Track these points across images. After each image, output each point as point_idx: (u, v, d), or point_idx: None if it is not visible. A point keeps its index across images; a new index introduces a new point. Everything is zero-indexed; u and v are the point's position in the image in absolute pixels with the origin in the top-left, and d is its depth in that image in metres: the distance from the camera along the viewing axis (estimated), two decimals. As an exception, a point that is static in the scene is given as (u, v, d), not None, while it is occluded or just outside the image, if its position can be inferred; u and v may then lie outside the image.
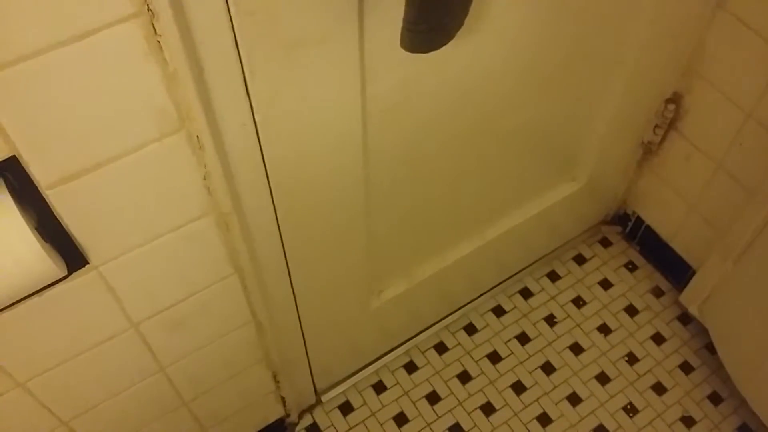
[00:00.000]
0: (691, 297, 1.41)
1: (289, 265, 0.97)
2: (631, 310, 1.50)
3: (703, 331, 1.44)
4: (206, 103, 0.67)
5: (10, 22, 0.50)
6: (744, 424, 1.36)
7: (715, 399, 1.39)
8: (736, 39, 1.10)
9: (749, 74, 1.11)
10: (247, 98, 0.70)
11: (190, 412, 1.08)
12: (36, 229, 0.61)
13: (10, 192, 0.57)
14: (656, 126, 1.31)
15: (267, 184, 0.81)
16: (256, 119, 0.73)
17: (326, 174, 0.88)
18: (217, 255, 0.83)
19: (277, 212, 0.86)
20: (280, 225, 0.89)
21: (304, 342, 1.18)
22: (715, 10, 1.10)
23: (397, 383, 1.42)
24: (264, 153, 0.77)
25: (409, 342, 1.46)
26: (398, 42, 0.68)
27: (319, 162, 0.85)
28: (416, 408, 1.39)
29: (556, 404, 1.39)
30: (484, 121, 1.04)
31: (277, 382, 1.17)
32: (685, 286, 1.42)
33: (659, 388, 1.40)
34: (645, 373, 1.42)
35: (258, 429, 1.28)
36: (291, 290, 1.03)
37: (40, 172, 0.59)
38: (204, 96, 0.66)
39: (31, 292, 0.66)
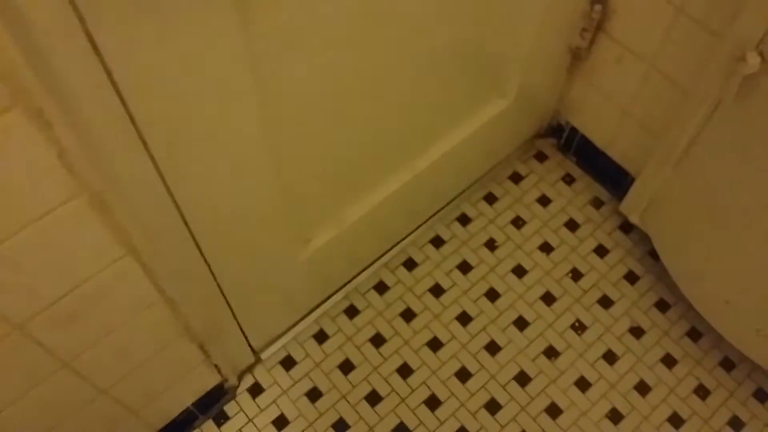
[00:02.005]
0: (632, 205, 1.36)
1: (194, 232, 0.86)
2: (572, 225, 1.45)
3: (645, 239, 1.40)
4: (42, 68, 0.54)
5: None
6: (693, 328, 1.34)
7: (662, 306, 1.36)
8: (661, -74, 1.00)
9: (677, -35, 1.02)
10: (95, 54, 0.57)
11: (111, 399, 0.99)
12: None
13: None
14: (583, 29, 1.21)
15: (145, 150, 0.70)
16: (115, 78, 0.61)
17: (216, 127, 0.76)
18: (100, 238, 0.72)
19: (166, 179, 0.75)
20: (172, 192, 0.78)
21: (230, 307, 1.09)
22: None
23: (339, 330, 1.35)
24: (133, 115, 0.65)
25: (348, 286, 1.39)
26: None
27: (204, 115, 0.73)
28: (361, 353, 1.33)
29: (503, 331, 1.35)
30: (397, 43, 0.92)
31: (205, 351, 1.09)
32: (624, 195, 1.37)
33: (606, 302, 1.37)
34: (590, 288, 1.39)
35: (196, 398, 1.20)
36: (202, 258, 0.92)
37: None
38: (37, 60, 0.53)
39: None
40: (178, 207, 0.80)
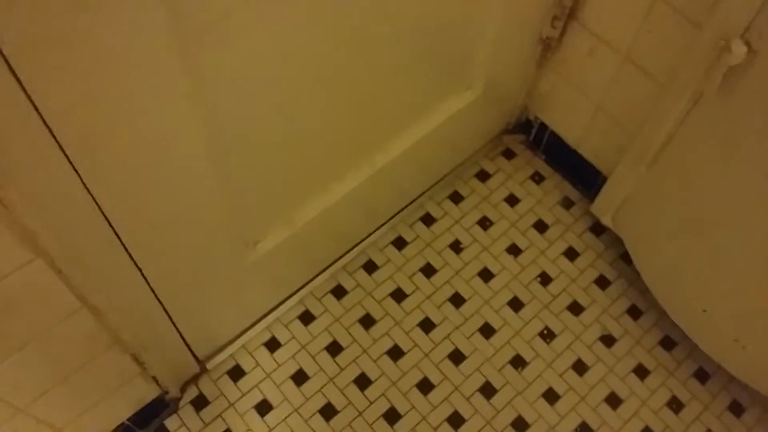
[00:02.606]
0: (603, 206, 1.29)
1: (120, 235, 0.76)
2: (541, 226, 1.38)
3: (617, 241, 1.33)
4: None
5: None
6: (666, 336, 1.27)
7: (634, 313, 1.29)
8: None
9: (656, -52, 0.95)
10: None
11: (29, 417, 0.88)
12: None
13: None
14: (554, 18, 1.14)
15: (54, 141, 0.60)
16: (4, 51, 0.51)
17: (141, 112, 0.66)
18: (2, 240, 0.62)
19: (80, 172, 0.65)
20: (88, 187, 0.68)
21: (167, 313, 0.99)
22: None
23: (293, 337, 1.26)
24: (35, 101, 0.55)
25: (303, 290, 1.29)
26: None
27: (128, 103, 0.64)
28: (316, 362, 1.23)
29: (468, 338, 1.27)
30: (356, 26, 0.83)
31: (140, 362, 0.99)
32: (596, 195, 1.30)
33: (576, 308, 1.30)
34: (560, 294, 1.31)
35: (133, 412, 1.10)
36: (131, 262, 0.82)
37: None
38: None
39: None
40: (99, 207, 0.70)
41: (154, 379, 1.06)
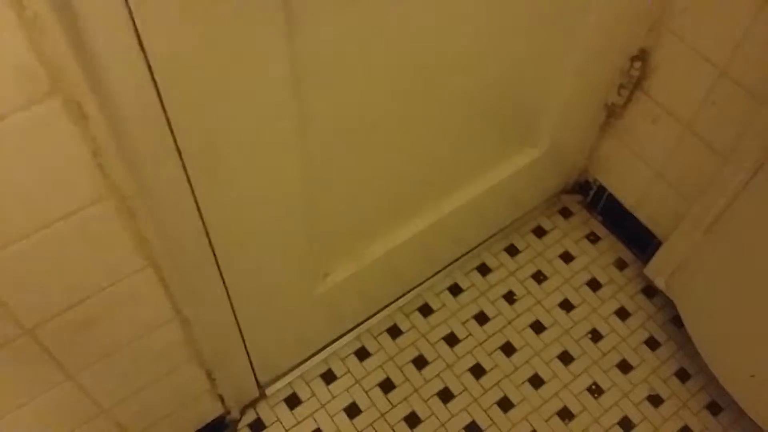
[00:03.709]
0: (658, 269, 1.33)
1: (216, 251, 0.84)
2: (594, 284, 1.42)
3: (668, 305, 1.36)
4: (85, 59, 0.53)
5: None
6: (713, 401, 1.29)
7: (682, 376, 1.32)
8: (709, -12, 1.00)
9: (722, 26, 1.01)
10: (142, 53, 0.56)
11: (111, 419, 0.95)
12: None
13: None
14: (621, 86, 1.21)
15: (179, 160, 0.68)
16: (157, 80, 0.59)
17: (253, 143, 0.75)
18: (122, 246, 0.70)
19: (195, 193, 0.73)
20: (200, 207, 0.76)
21: (241, 334, 1.05)
22: (686, -43, 1.00)
23: (348, 371, 1.31)
24: (171, 123, 0.64)
25: (360, 327, 1.35)
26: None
27: (243, 129, 0.72)
28: (369, 397, 1.28)
29: (517, 387, 1.30)
30: (434, 83, 0.92)
31: (212, 379, 1.05)
32: (649, 258, 1.34)
33: (625, 366, 1.33)
34: (609, 351, 1.34)
35: (196, 429, 1.16)
36: (221, 280, 0.90)
37: None
38: (81, 50, 0.52)
39: None
40: (204, 224, 0.78)
41: (221, 397, 1.12)
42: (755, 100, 1.01)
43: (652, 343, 1.35)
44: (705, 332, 1.23)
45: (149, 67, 0.58)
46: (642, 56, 1.15)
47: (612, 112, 1.27)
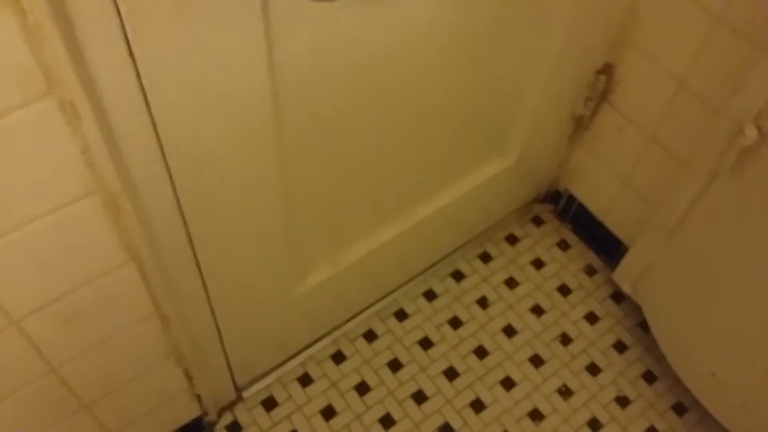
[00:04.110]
0: (624, 274, 1.38)
1: (196, 250, 0.88)
2: (564, 290, 1.47)
3: (636, 309, 1.41)
4: (79, 63, 0.57)
5: None
6: (678, 402, 1.34)
7: (649, 378, 1.36)
8: (668, 5, 1.06)
9: (682, 42, 1.07)
10: (131, 58, 0.60)
11: (91, 415, 0.97)
12: None
13: None
14: (587, 98, 1.26)
15: (162, 159, 0.72)
16: (144, 84, 0.63)
17: (232, 148, 0.78)
18: (108, 240, 0.73)
19: (177, 191, 0.77)
20: (181, 205, 0.79)
21: (219, 334, 1.08)
22: (646, -24, 1.06)
23: (324, 375, 1.34)
24: (156, 123, 0.68)
25: (337, 331, 1.38)
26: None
27: (223, 134, 0.76)
28: (345, 400, 1.31)
29: (489, 389, 1.34)
30: (408, 93, 0.96)
31: (190, 379, 1.08)
32: (617, 264, 1.39)
33: (593, 369, 1.37)
34: (579, 354, 1.39)
35: (173, 429, 1.18)
36: (200, 278, 0.93)
37: None
38: (76, 55, 0.56)
39: None
40: (185, 221, 0.82)
41: (198, 398, 1.15)
42: (711, 110, 1.07)
43: (619, 347, 1.40)
44: (669, 334, 1.28)
45: (137, 72, 0.62)
46: (606, 70, 1.21)
47: (580, 124, 1.32)
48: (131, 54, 0.60)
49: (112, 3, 0.56)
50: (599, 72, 1.22)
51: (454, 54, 0.97)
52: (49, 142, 0.59)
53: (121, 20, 0.57)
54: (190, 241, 0.85)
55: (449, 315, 1.42)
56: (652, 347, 1.38)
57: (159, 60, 0.63)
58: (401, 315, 1.42)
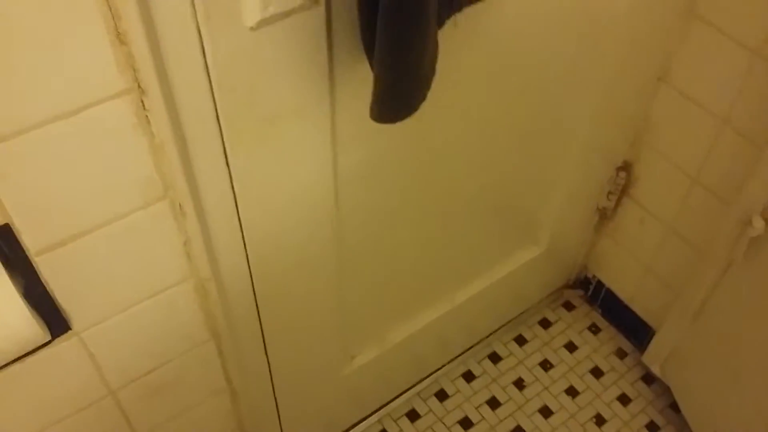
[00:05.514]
0: (653, 357, 1.45)
1: (264, 330, 0.99)
2: (597, 372, 1.54)
3: (667, 391, 1.48)
4: (189, 173, 0.71)
5: (9, 99, 0.54)
6: (711, 480, 1.38)
7: (681, 457, 1.42)
8: (679, 109, 1.19)
9: (692, 142, 1.19)
10: (227, 168, 0.74)
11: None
12: (23, 294, 0.63)
13: (1, 258, 0.60)
14: (609, 192, 1.38)
15: (244, 250, 0.85)
16: (235, 188, 0.77)
17: (300, 241, 0.91)
18: (196, 320, 0.85)
19: (253, 278, 0.90)
20: (255, 290, 0.92)
21: (278, 410, 1.18)
22: (658, 84, 1.20)
23: (370, 453, 1.42)
24: (242, 220, 0.81)
25: (381, 410, 1.47)
26: (367, 114, 0.74)
27: (293, 229, 0.89)
28: (390, 477, 1.39)
29: (528, 468, 1.40)
30: (449, 189, 1.10)
31: (249, 451, 1.17)
32: (646, 347, 1.47)
33: (627, 449, 1.43)
34: (613, 434, 1.45)
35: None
36: (265, 356, 1.04)
37: (30, 240, 0.62)
38: (187, 166, 0.70)
39: (15, 358, 0.68)
40: (257, 303, 0.94)
41: (255, 470, 1.24)
42: (723, 203, 1.18)
43: (652, 427, 1.46)
44: (698, 415, 1.34)
45: (231, 179, 0.76)
46: (626, 167, 1.33)
47: (603, 215, 1.44)
48: (228, 165, 0.74)
49: (216, 125, 0.70)
50: (619, 168, 1.34)
51: (486, 156, 1.10)
52: (160, 236, 0.73)
53: (222, 139, 0.72)
54: (260, 320, 0.97)
55: (488, 395, 1.50)
56: (683, 428, 1.44)
57: (248, 169, 0.77)
58: (442, 395, 1.50)
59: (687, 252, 1.30)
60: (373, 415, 1.46)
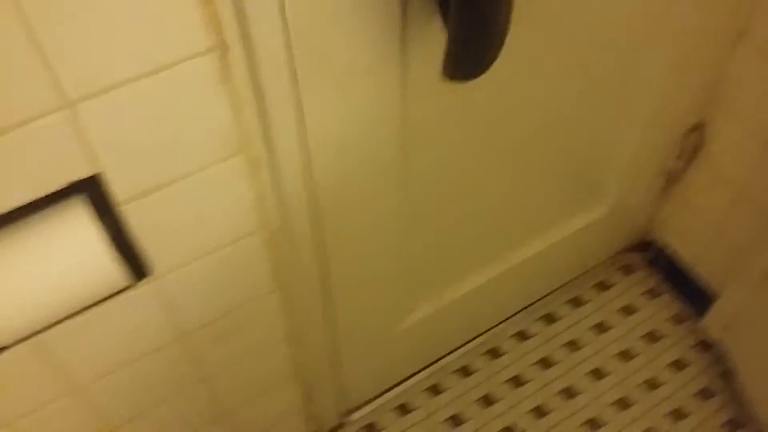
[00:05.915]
0: (713, 323, 1.43)
1: (331, 282, 1.01)
2: (653, 337, 1.53)
3: (722, 358, 1.46)
4: (266, 128, 0.72)
5: (103, 56, 0.56)
6: (765, 450, 1.37)
7: (733, 425, 1.40)
8: (757, 69, 1.14)
9: (770, 105, 1.15)
10: (303, 123, 0.75)
11: (227, 423, 1.11)
12: (110, 240, 0.66)
13: (91, 205, 0.62)
14: (679, 154, 1.35)
15: (316, 203, 0.86)
16: (309, 144, 0.78)
17: (368, 193, 0.92)
18: (265, 270, 0.87)
19: (323, 229, 0.91)
20: (324, 241, 0.93)
21: (335, 362, 1.21)
22: (736, 42, 1.15)
23: (421, 406, 1.45)
24: (313, 174, 0.82)
25: (434, 365, 1.49)
26: (437, 73, 0.73)
27: (362, 183, 0.90)
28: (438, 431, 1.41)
29: (575, 429, 1.41)
30: (514, 147, 1.08)
31: (306, 398, 1.21)
32: (705, 313, 1.45)
33: (678, 414, 1.42)
34: (665, 399, 1.44)
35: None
36: (330, 308, 1.07)
37: (119, 189, 0.64)
38: (265, 121, 0.71)
39: (99, 299, 0.71)
40: (326, 254, 0.96)
41: (311, 419, 1.28)
42: (800, 171, 1.15)
43: (706, 393, 1.45)
44: (757, 382, 1.33)
45: (305, 134, 0.76)
46: (698, 128, 1.29)
47: (672, 177, 1.41)
48: (303, 119, 0.75)
49: (294, 81, 0.71)
50: (691, 129, 1.31)
51: (554, 116, 1.08)
52: (236, 188, 0.74)
53: (299, 94, 0.72)
54: (327, 274, 0.99)
55: (541, 355, 1.51)
56: (737, 396, 1.42)
57: (322, 123, 0.77)
58: (495, 353, 1.51)
59: (757, 216, 1.27)
60: (426, 370, 1.48)
